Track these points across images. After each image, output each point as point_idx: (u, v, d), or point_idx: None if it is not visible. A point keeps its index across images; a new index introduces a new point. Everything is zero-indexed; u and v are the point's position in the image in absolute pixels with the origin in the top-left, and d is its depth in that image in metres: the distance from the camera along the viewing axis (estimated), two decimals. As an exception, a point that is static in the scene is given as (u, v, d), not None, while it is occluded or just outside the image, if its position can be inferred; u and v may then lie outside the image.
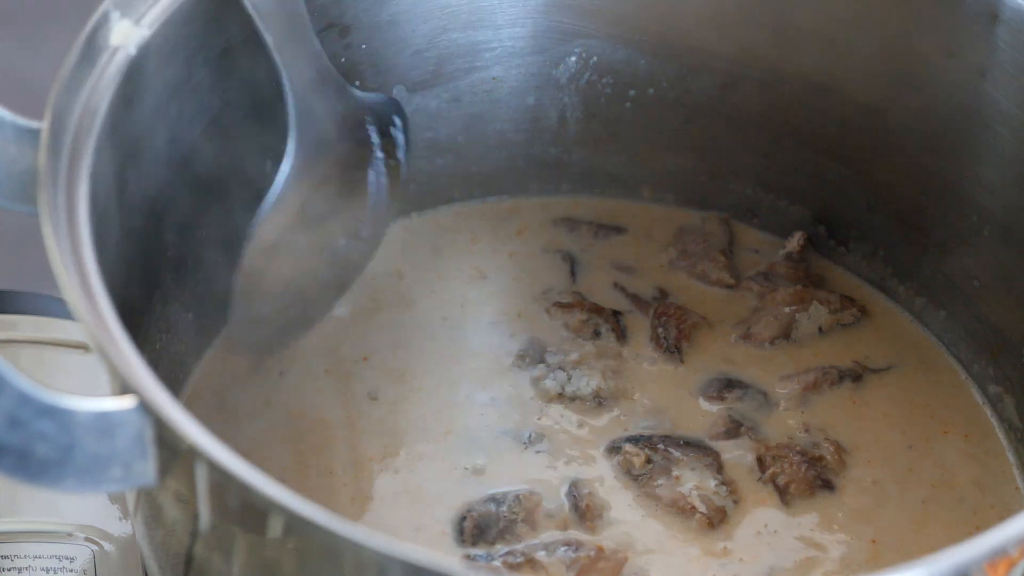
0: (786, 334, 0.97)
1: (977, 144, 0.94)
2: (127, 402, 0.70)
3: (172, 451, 0.71)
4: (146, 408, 0.70)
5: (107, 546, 0.90)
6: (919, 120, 0.95)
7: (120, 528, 0.91)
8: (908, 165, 0.97)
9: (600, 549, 0.87)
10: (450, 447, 0.91)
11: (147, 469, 0.71)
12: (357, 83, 0.95)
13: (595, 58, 0.99)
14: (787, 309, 0.98)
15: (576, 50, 0.99)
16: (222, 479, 0.70)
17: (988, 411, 0.96)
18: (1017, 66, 0.90)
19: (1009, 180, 0.93)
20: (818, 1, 0.95)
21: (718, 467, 0.91)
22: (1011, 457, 0.94)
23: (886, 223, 0.99)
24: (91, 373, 0.96)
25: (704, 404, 0.94)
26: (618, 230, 1.02)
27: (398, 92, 0.97)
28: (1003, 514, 0.90)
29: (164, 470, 0.72)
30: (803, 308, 0.98)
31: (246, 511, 0.72)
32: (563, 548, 0.87)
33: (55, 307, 0.99)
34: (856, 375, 0.96)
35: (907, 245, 0.99)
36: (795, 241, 1.01)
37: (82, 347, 0.97)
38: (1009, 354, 0.95)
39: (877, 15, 0.94)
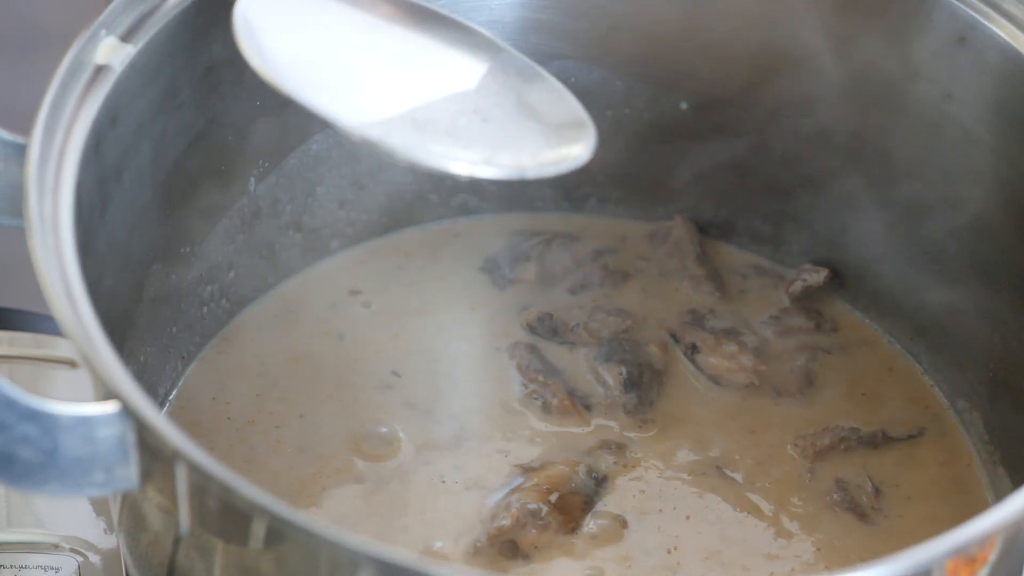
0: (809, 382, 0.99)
1: (945, 164, 0.95)
2: (109, 407, 0.71)
3: (154, 455, 0.72)
4: (128, 412, 0.71)
5: (92, 557, 0.91)
6: (888, 141, 0.97)
7: (105, 540, 0.92)
8: (878, 185, 0.98)
9: None
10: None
11: (129, 473, 0.73)
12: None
13: (572, 79, 1.00)
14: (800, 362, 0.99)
15: (553, 71, 0.99)
16: (203, 481, 0.71)
17: (956, 421, 0.98)
18: (983, 87, 0.92)
19: (976, 199, 0.94)
20: (789, 23, 0.96)
21: None
22: (979, 470, 0.96)
23: (858, 241, 1.01)
24: (79, 388, 0.98)
25: None
26: (611, 251, 1.04)
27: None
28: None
29: (146, 474, 0.73)
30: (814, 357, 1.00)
31: (227, 515, 0.73)
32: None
33: (44, 324, 1.00)
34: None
35: (878, 262, 1.00)
36: (821, 277, 1.02)
37: (70, 363, 0.99)
38: (977, 369, 0.97)
39: (846, 37, 0.95)
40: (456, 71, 0.88)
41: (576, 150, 0.85)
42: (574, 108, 0.87)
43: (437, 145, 0.83)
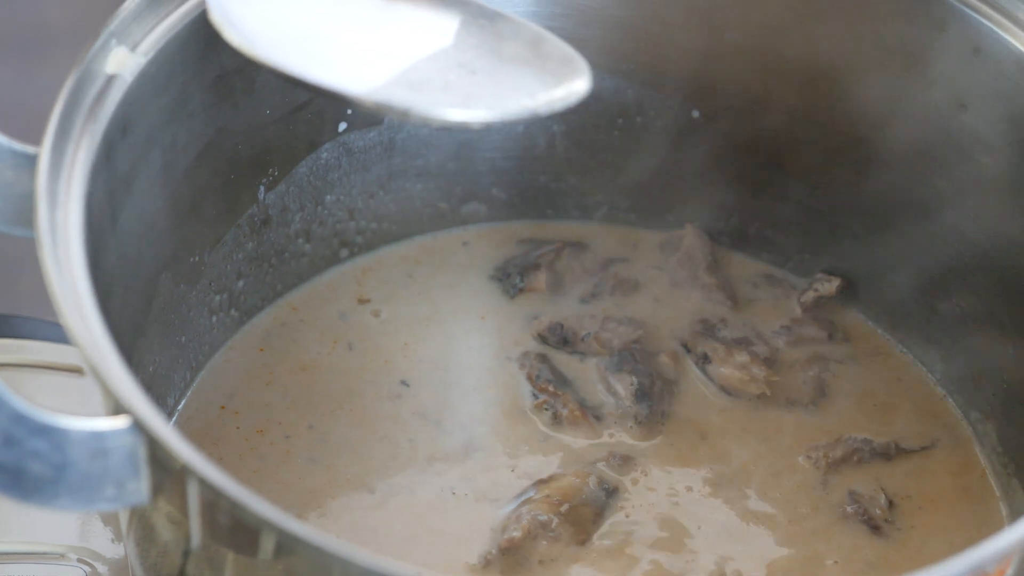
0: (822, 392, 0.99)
1: (959, 173, 0.95)
2: (120, 422, 0.71)
3: (164, 470, 0.72)
4: (139, 427, 0.71)
5: (100, 567, 0.91)
6: (902, 150, 0.96)
7: (112, 550, 0.92)
8: (892, 194, 0.98)
9: None
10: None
11: (140, 488, 0.72)
12: (348, 111, 0.96)
13: (584, 87, 1.00)
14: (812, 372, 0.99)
15: (565, 79, 1.00)
16: (214, 497, 0.71)
17: (969, 432, 0.97)
18: (998, 96, 0.92)
19: (991, 209, 0.94)
20: (802, 33, 0.96)
21: None
22: (992, 481, 0.95)
23: (871, 251, 1.00)
24: (86, 397, 0.97)
25: None
26: (622, 260, 1.04)
27: (389, 120, 0.98)
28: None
29: (156, 489, 0.73)
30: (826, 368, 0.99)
31: (237, 529, 0.73)
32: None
33: (51, 331, 1.00)
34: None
35: (891, 272, 1.00)
36: (833, 286, 1.01)
37: (77, 371, 0.98)
38: (991, 380, 0.96)
39: (860, 47, 0.95)
40: (429, 30, 0.87)
41: (575, 84, 0.85)
42: (558, 45, 0.87)
43: (440, 102, 0.83)
